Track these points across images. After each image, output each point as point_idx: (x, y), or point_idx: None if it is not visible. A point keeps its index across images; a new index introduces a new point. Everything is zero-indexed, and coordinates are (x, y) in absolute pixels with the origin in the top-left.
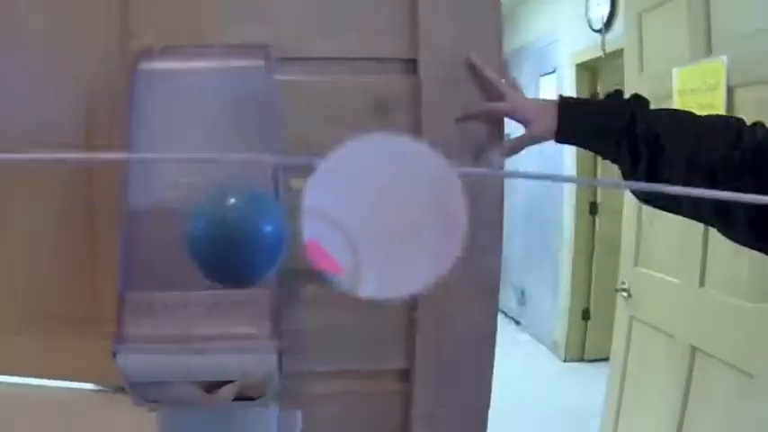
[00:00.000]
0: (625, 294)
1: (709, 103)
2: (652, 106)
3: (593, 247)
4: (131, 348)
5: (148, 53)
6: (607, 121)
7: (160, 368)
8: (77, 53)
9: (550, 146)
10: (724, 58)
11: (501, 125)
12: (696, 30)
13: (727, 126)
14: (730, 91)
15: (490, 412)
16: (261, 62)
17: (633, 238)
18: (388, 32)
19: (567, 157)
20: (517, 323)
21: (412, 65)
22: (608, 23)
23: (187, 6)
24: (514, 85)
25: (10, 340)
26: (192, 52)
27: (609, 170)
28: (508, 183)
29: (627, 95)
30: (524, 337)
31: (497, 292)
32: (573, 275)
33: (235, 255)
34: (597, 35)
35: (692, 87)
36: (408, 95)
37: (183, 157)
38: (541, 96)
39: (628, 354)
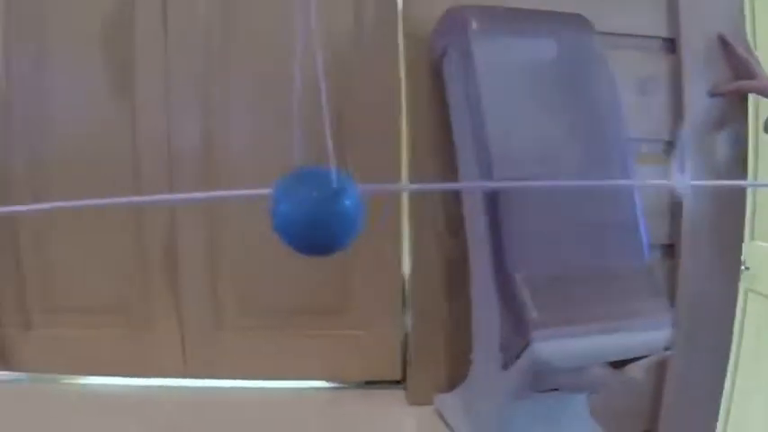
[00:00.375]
0: (742, 267)
1: None
2: None
3: None
4: (550, 335)
5: (471, 11)
6: None
7: (577, 352)
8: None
9: None
10: None
11: (746, 102)
12: None
13: None
14: None
15: None
16: (589, 32)
17: (749, 213)
18: (650, 11)
19: None
20: None
21: (671, 43)
22: None
23: None
24: (759, 64)
25: (249, 339)
26: (516, 15)
27: None
28: None
29: None
30: None
31: (739, 261)
32: None
33: (321, 232)
34: None
35: None
36: (668, 73)
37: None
38: None
39: (743, 326)
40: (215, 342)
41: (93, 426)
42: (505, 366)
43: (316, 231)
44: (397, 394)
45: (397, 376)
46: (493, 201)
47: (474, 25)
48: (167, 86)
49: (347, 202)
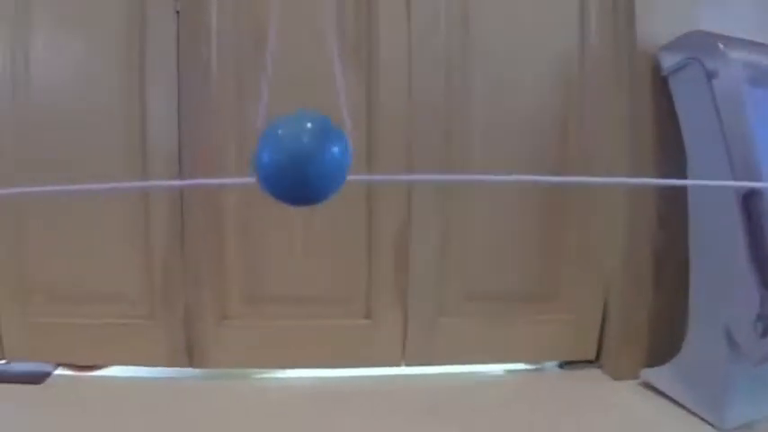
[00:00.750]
0: None
1: None
2: None
3: None
4: None
5: (717, 36)
6: None
7: None
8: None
9: None
10: None
11: None
12: None
13: None
14: None
15: None
16: None
17: None
18: None
19: None
20: None
21: None
22: None
23: None
24: None
25: (467, 326)
26: (747, 44)
27: None
28: None
29: None
30: None
31: None
32: None
33: (306, 175)
34: None
35: None
36: None
37: None
38: None
39: None
40: (435, 330)
41: (307, 421)
42: (764, 334)
43: (300, 173)
44: (594, 372)
45: (591, 356)
46: (750, 202)
47: (722, 48)
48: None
49: (335, 149)
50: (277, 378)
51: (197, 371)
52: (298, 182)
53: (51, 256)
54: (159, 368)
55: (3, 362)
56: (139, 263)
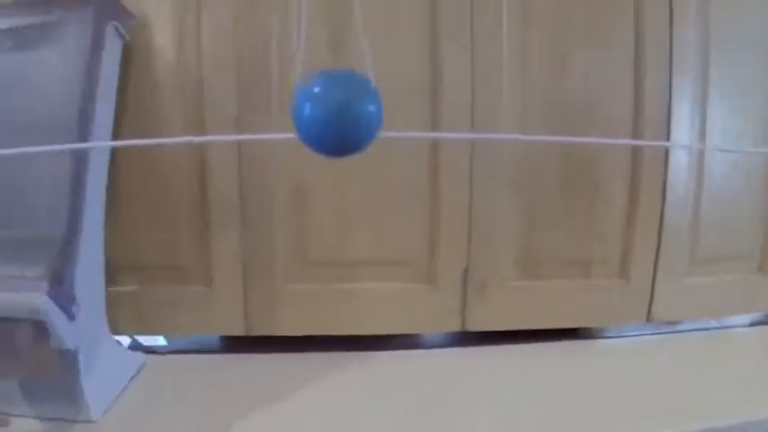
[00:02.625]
0: None
1: None
2: None
3: None
4: None
5: None
6: None
7: None
8: None
9: None
10: None
11: None
12: None
13: None
14: None
15: None
16: None
17: None
18: None
19: None
20: None
21: None
22: None
23: None
24: None
25: None
26: None
27: None
28: None
29: None
30: None
31: None
32: None
33: (346, 131)
34: None
35: None
36: None
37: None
38: None
39: None
40: None
41: None
42: None
43: (341, 126)
44: None
45: None
46: None
47: None
48: None
49: (371, 107)
50: None
51: None
52: (339, 135)
53: None
54: None
55: None
56: None
